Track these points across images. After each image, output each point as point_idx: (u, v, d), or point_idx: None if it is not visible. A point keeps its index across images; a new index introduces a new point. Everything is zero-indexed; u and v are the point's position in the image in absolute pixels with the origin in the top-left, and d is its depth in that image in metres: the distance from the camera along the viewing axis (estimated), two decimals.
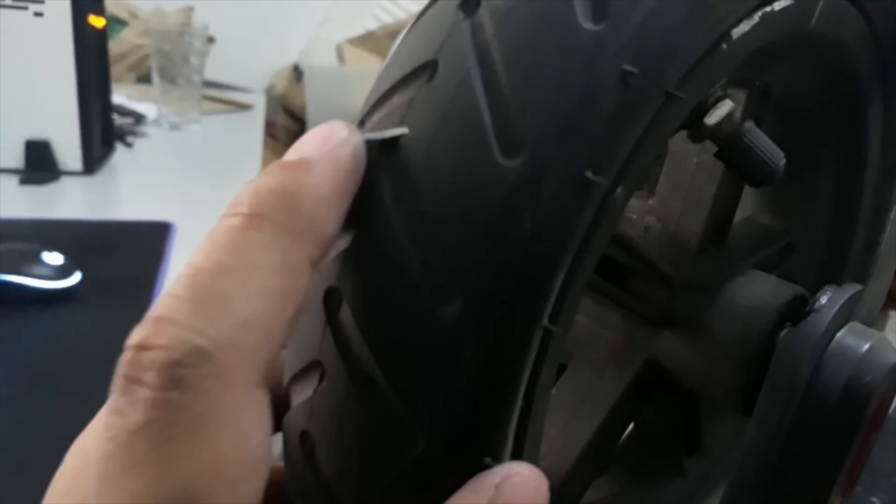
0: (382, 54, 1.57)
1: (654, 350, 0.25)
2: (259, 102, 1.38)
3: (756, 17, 0.18)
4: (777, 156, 0.21)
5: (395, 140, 0.16)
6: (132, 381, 0.14)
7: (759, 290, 0.23)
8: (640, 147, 0.16)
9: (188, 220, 0.85)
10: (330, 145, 0.15)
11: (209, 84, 1.34)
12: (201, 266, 0.14)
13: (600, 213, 0.16)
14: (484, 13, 0.16)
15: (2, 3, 0.87)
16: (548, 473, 0.24)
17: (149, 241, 0.80)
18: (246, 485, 0.14)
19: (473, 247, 0.15)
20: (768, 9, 0.18)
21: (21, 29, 0.89)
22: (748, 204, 0.30)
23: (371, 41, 1.67)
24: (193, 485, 0.13)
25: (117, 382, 0.14)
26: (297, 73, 1.68)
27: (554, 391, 0.26)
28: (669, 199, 0.25)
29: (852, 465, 0.22)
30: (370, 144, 0.16)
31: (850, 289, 0.22)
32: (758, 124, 0.25)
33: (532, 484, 0.16)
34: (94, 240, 0.80)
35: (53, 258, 0.69)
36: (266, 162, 1.22)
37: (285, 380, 0.17)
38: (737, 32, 0.17)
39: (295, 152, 0.16)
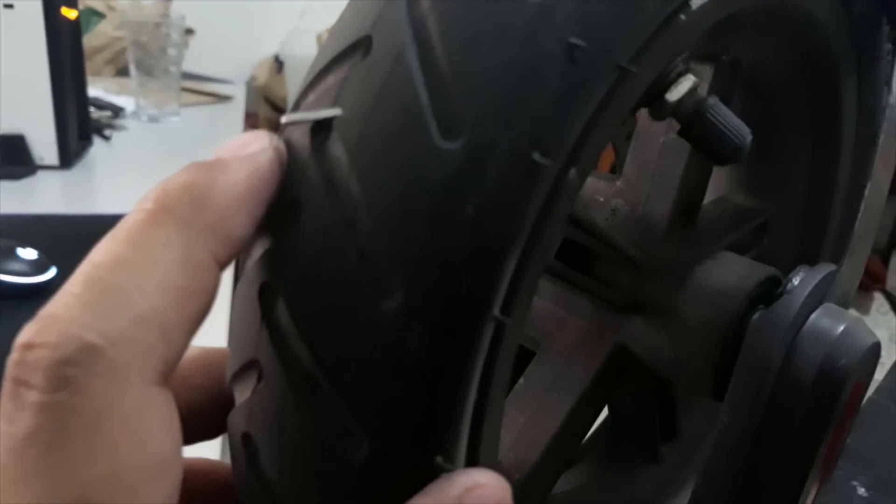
0: None
1: (623, 336, 0.24)
2: (239, 94, 1.36)
3: None
4: (743, 132, 0.19)
5: (327, 122, 0.14)
6: (19, 383, 0.13)
7: (729, 272, 0.22)
8: (593, 126, 0.15)
9: None
10: (249, 149, 0.15)
11: (189, 76, 1.32)
12: (97, 261, 0.14)
13: (552, 197, 0.14)
14: None
15: None
16: (516, 464, 0.23)
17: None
18: (150, 488, 0.13)
19: (413, 235, 0.14)
20: None
21: None
22: (722, 183, 0.29)
23: None
24: (90, 492, 0.12)
25: (5, 386, 0.13)
26: (278, 63, 1.66)
27: (521, 380, 0.25)
28: (637, 180, 0.24)
29: (829, 449, 0.21)
30: (300, 128, 0.15)
31: (824, 269, 0.21)
32: (726, 101, 0.24)
33: (498, 496, 0.15)
34: (70, 234, 0.78)
35: (28, 253, 0.67)
36: None
37: (227, 378, 0.16)
38: (697, 2, 0.16)
39: (213, 154, 0.15)
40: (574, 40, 0.14)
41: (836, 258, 0.28)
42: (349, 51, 0.15)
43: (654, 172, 0.24)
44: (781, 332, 0.19)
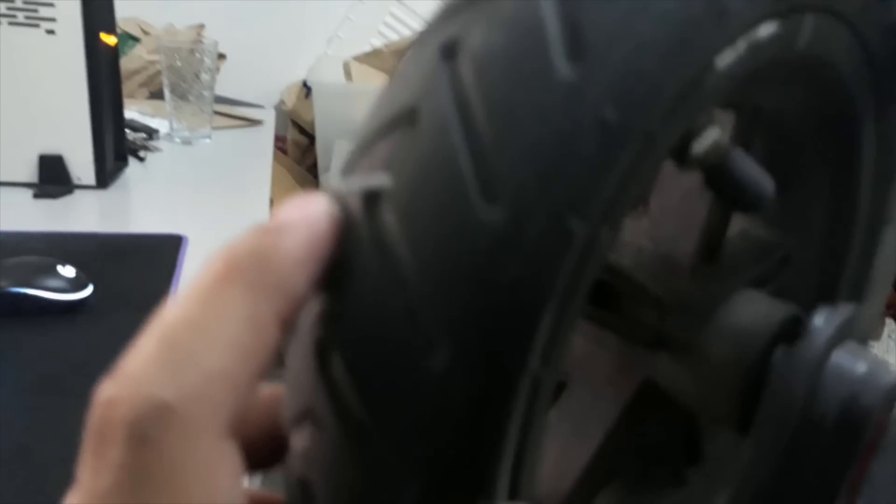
0: (388, 71, 1.57)
1: (651, 371, 0.24)
2: (269, 118, 1.38)
3: (740, 46, 0.18)
4: (765, 183, 0.20)
5: (378, 190, 0.15)
6: (101, 440, 0.14)
7: (751, 310, 0.23)
8: (624, 188, 0.15)
9: (200, 232, 0.85)
10: (306, 213, 0.16)
11: (220, 100, 1.34)
12: (170, 321, 0.14)
13: (585, 256, 0.15)
14: (463, 59, 0.15)
15: (15, 20, 0.88)
16: (550, 494, 0.24)
17: (161, 253, 0.80)
18: None
19: (456, 297, 0.14)
20: (753, 36, 0.18)
21: (34, 46, 0.89)
22: (744, 216, 0.30)
23: (377, 58, 1.67)
24: None
25: (88, 440, 0.14)
26: (305, 89, 1.69)
27: (553, 412, 0.26)
28: (661, 220, 0.25)
29: (851, 485, 0.21)
30: (354, 195, 0.16)
31: (846, 309, 0.21)
32: (749, 142, 0.24)
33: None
34: (107, 252, 0.80)
35: (67, 271, 0.69)
36: (275, 176, 1.23)
37: (284, 421, 0.17)
38: (721, 63, 0.17)
39: (274, 218, 0.16)
40: (605, 111, 0.15)
41: (857, 291, 0.28)
42: (398, 121, 0.16)
43: (677, 213, 0.25)
44: (804, 371, 0.20)
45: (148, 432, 0.13)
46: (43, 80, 0.90)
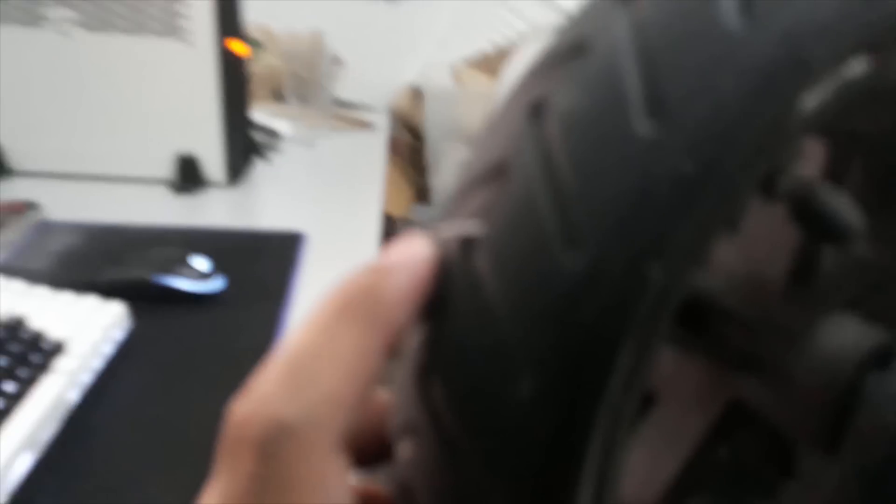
0: (496, 75, 1.59)
1: (738, 391, 0.25)
2: (382, 121, 1.43)
3: (826, 88, 0.18)
4: (851, 216, 0.20)
5: (472, 237, 0.17)
6: (234, 453, 0.16)
7: (842, 336, 0.23)
8: (704, 234, 0.16)
9: (319, 230, 0.90)
10: (409, 256, 0.18)
11: (337, 103, 1.39)
12: (294, 348, 0.17)
13: (662, 298, 0.16)
14: (550, 119, 0.17)
15: (154, 30, 0.94)
16: (634, 500, 0.25)
17: (283, 249, 0.85)
18: None
19: (540, 336, 0.16)
20: (840, 76, 0.18)
21: (171, 56, 0.95)
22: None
23: (486, 63, 1.69)
24: None
25: (223, 451, 0.16)
26: (416, 92, 1.72)
27: (643, 426, 0.26)
28: (754, 243, 0.25)
29: None
30: (453, 242, 0.17)
31: None
32: (844, 168, 0.24)
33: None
34: (235, 247, 0.85)
35: (200, 263, 0.74)
36: (389, 176, 1.26)
37: (391, 430, 0.19)
38: (805, 105, 0.17)
39: (382, 258, 0.18)
40: (682, 168, 0.16)
41: None
42: (490, 175, 0.17)
43: (770, 236, 0.25)
44: (894, 401, 0.20)
45: (272, 448, 0.16)
46: (179, 86, 0.97)
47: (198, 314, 0.71)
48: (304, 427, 0.16)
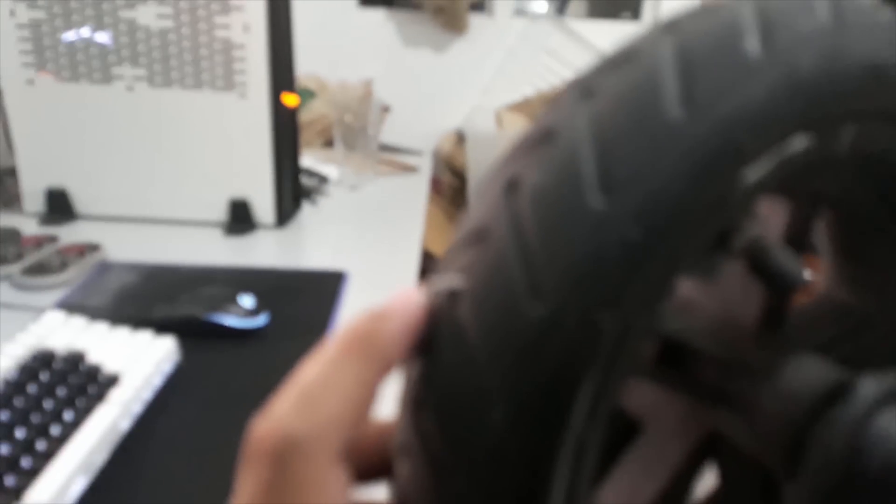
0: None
1: (714, 423, 0.27)
2: (425, 164, 1.47)
3: (770, 163, 0.20)
4: (798, 273, 0.23)
5: (456, 290, 0.20)
6: (253, 462, 0.19)
7: (804, 373, 0.25)
8: (652, 288, 0.19)
9: (361, 268, 0.94)
10: (404, 304, 0.21)
11: (384, 147, 1.44)
12: (305, 376, 0.20)
13: (619, 341, 0.19)
14: (522, 195, 0.20)
15: (214, 86, 1.00)
16: None
17: (326, 287, 0.88)
18: None
19: (510, 373, 0.19)
20: (783, 153, 0.20)
21: (228, 108, 1.01)
22: (826, 280, 0.32)
23: (527, 107, 1.73)
24: None
25: (245, 462, 0.20)
26: (460, 136, 1.76)
27: (628, 455, 0.29)
28: (729, 287, 0.27)
29: None
30: (441, 294, 0.21)
31: (891, 375, 0.23)
32: (810, 222, 0.27)
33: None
34: (281, 285, 0.89)
35: (247, 301, 0.78)
36: (431, 215, 1.30)
37: (392, 450, 0.22)
38: (749, 180, 0.20)
39: (383, 305, 0.21)
40: (629, 235, 0.18)
41: None
42: (474, 238, 0.20)
43: (743, 282, 0.27)
44: (843, 431, 0.22)
45: (284, 458, 0.19)
46: (235, 135, 1.03)
47: (243, 349, 0.75)
48: (310, 442, 0.19)
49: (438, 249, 1.62)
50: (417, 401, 0.21)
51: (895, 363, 0.25)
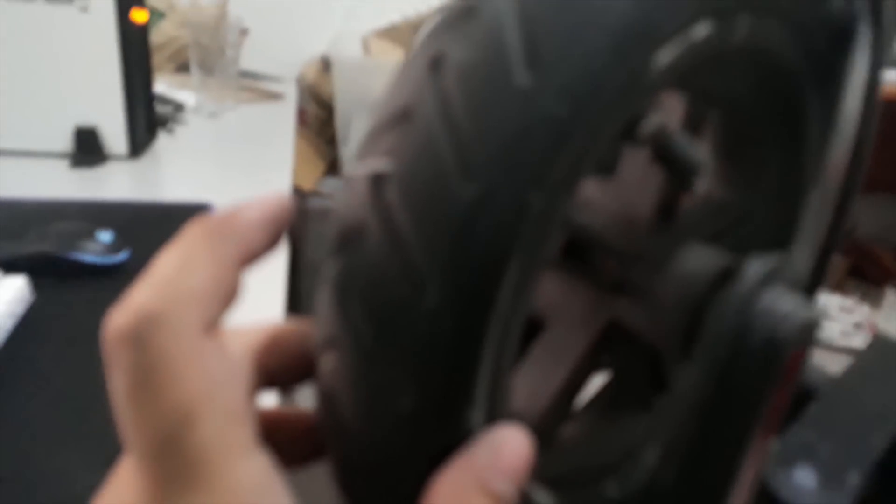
0: (406, 46, 1.60)
1: (614, 312, 0.28)
2: (290, 91, 1.42)
3: (676, 46, 0.21)
4: (699, 157, 0.24)
5: (382, 173, 0.20)
6: (113, 352, 0.18)
7: (696, 260, 0.26)
8: (576, 166, 0.19)
9: (226, 201, 0.90)
10: (262, 198, 0.21)
11: (243, 74, 1.38)
12: (160, 262, 0.19)
13: (544, 219, 0.19)
14: (447, 71, 0.19)
15: None
16: (529, 412, 0.28)
17: (189, 221, 0.85)
18: (220, 392, 0.18)
19: (443, 250, 0.19)
20: (688, 37, 0.21)
21: (68, 24, 0.93)
22: (708, 181, 0.34)
23: (396, 33, 1.70)
24: (180, 406, 0.18)
25: (106, 356, 0.19)
26: (325, 63, 1.71)
27: (535, 347, 0.30)
28: (626, 185, 0.29)
29: (773, 407, 0.25)
30: (363, 176, 0.20)
31: (775, 257, 0.25)
32: (702, 118, 0.28)
33: (521, 442, 0.20)
34: (140, 220, 0.84)
35: (105, 236, 0.73)
36: (298, 148, 1.26)
37: (312, 349, 0.22)
38: (659, 61, 0.20)
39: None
40: (556, 111, 0.19)
41: (811, 245, 0.32)
42: (397, 119, 0.20)
43: (640, 179, 0.28)
44: (732, 309, 0.24)
45: (142, 334, 0.18)
46: (77, 55, 0.95)
47: (103, 287, 0.71)
48: (169, 315, 0.18)
49: (308, 184, 1.58)
50: (342, 291, 0.20)
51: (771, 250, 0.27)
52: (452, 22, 0.20)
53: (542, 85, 0.19)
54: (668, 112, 0.28)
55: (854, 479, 0.35)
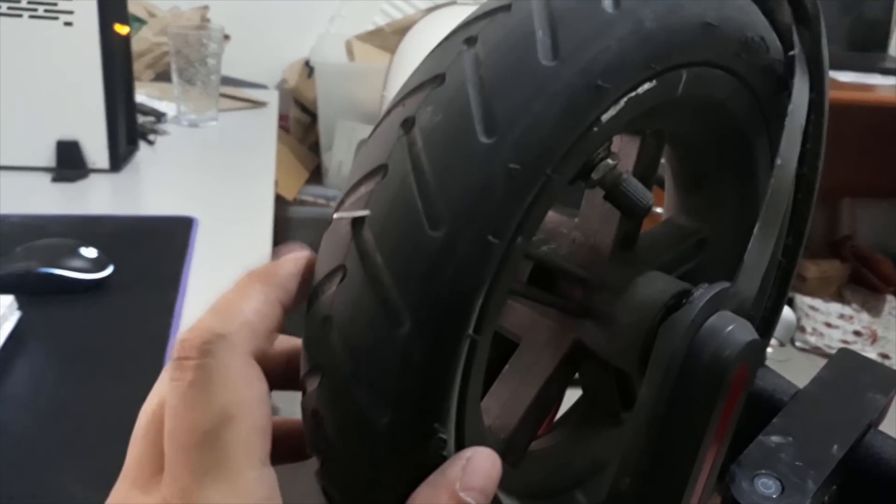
0: (389, 50, 1.63)
1: (579, 334, 0.32)
2: (273, 99, 1.45)
3: (622, 103, 0.25)
4: (646, 198, 0.28)
5: (362, 218, 0.24)
6: (182, 355, 0.23)
7: (651, 287, 0.30)
8: (531, 211, 0.23)
9: (209, 213, 0.93)
10: (291, 253, 0.26)
11: (225, 81, 1.41)
12: (220, 299, 0.25)
13: (505, 258, 0.23)
14: (416, 131, 0.23)
15: (34, 13, 0.95)
16: (501, 427, 0.32)
17: (173, 234, 0.88)
18: (256, 410, 0.23)
19: (414, 290, 0.22)
20: (632, 94, 0.25)
21: (52, 38, 0.96)
22: (670, 209, 0.38)
23: (379, 37, 1.74)
24: (226, 408, 0.22)
25: (174, 360, 0.23)
26: (308, 68, 1.75)
27: (507, 366, 0.33)
28: (589, 218, 0.33)
29: (721, 422, 0.29)
30: (345, 220, 0.24)
31: (720, 285, 0.29)
32: (656, 157, 0.32)
33: (489, 460, 0.24)
34: (123, 234, 0.87)
35: (89, 252, 0.76)
36: (279, 154, 1.29)
37: (301, 374, 0.25)
38: (605, 117, 0.24)
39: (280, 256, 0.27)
40: (512, 165, 0.22)
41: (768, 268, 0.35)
42: (374, 172, 0.24)
43: (600, 213, 0.32)
44: (681, 331, 0.27)
45: (209, 347, 0.23)
46: (60, 69, 0.98)
47: (88, 303, 0.73)
48: (231, 335, 0.23)
49: (289, 192, 1.62)
50: (328, 321, 0.24)
51: (727, 276, 0.30)
52: (423, 85, 0.24)
53: (499, 146, 0.23)
54: (624, 154, 0.32)
55: (813, 487, 0.39)
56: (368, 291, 0.23)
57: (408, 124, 0.24)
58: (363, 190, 0.24)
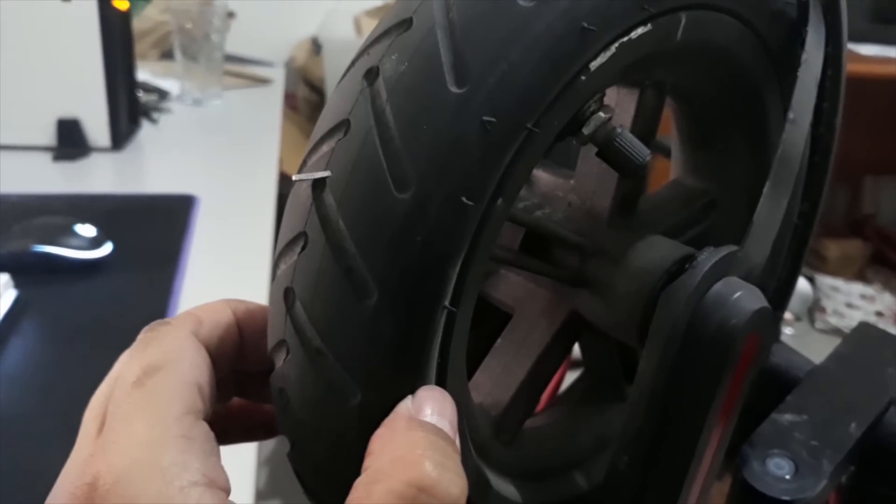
0: None
1: (575, 304, 0.30)
2: (278, 76, 1.43)
3: (612, 49, 0.22)
4: (643, 153, 0.26)
5: (323, 180, 0.22)
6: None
7: (652, 253, 0.28)
8: (512, 171, 0.21)
9: (211, 192, 0.92)
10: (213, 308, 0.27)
11: (230, 58, 1.39)
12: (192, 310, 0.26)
13: (482, 223, 0.21)
14: (380, 82, 0.21)
15: None
16: (493, 404, 0.30)
17: (174, 213, 0.87)
18: (185, 364, 0.24)
19: (381, 256, 0.21)
20: (624, 39, 0.23)
21: (50, 14, 0.95)
22: (676, 168, 0.35)
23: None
24: (153, 362, 0.24)
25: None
26: (315, 45, 1.73)
27: (500, 340, 0.32)
28: (586, 178, 0.31)
29: (729, 395, 0.27)
30: (306, 182, 0.22)
31: (725, 249, 0.27)
32: (657, 112, 0.30)
33: (439, 398, 0.22)
34: (123, 212, 0.86)
35: (86, 230, 0.75)
36: (286, 133, 1.28)
37: (268, 349, 0.24)
38: (594, 65, 0.22)
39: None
40: (486, 118, 0.20)
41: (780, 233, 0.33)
42: (336, 129, 0.22)
43: (597, 174, 0.30)
44: (684, 299, 0.25)
45: (154, 327, 0.25)
46: (59, 46, 0.96)
47: (87, 282, 0.73)
48: (174, 322, 0.25)
49: (294, 170, 1.60)
50: (289, 293, 0.22)
51: (739, 242, 0.28)
52: (388, 32, 0.22)
53: (470, 98, 0.20)
54: (621, 108, 0.30)
55: (829, 467, 0.37)
56: (331, 260, 0.21)
57: (371, 75, 0.21)
58: (325, 149, 0.22)
